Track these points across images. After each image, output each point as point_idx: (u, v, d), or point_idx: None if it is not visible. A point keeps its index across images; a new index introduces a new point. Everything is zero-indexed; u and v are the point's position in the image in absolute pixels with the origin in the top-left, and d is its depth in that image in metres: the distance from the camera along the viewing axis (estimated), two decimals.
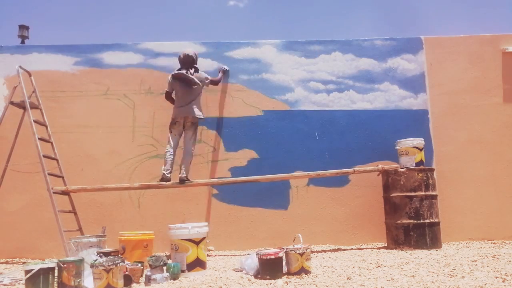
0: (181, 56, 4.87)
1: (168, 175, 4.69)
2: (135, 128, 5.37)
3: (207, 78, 4.96)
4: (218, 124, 5.39)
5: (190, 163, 4.77)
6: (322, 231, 5.18)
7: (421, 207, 4.51)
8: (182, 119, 4.78)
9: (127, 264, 3.12)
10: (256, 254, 3.11)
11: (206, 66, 5.48)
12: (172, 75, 4.84)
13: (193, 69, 4.86)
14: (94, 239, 3.76)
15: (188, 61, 4.86)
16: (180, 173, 4.68)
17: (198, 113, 4.82)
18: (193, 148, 4.81)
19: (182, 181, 4.66)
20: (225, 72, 5.42)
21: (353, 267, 3.30)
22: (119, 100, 5.43)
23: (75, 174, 5.14)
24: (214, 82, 5.14)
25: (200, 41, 5.59)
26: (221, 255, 4.69)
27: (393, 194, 4.65)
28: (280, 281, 2.83)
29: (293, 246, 3.17)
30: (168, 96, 4.98)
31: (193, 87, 4.78)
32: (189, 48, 5.09)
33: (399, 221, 4.54)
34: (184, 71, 4.77)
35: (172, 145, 4.80)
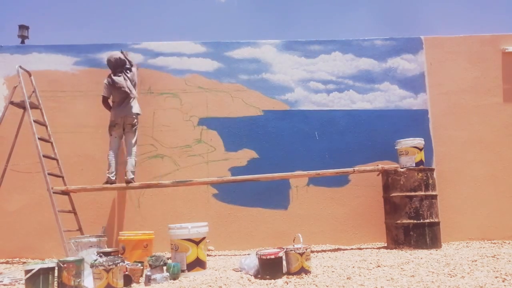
0: (112, 60, 4.95)
1: (113, 178, 4.79)
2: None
3: (134, 74, 5.06)
4: (218, 124, 5.39)
5: (134, 164, 4.88)
6: (322, 231, 5.18)
7: (421, 207, 4.51)
8: (121, 120, 4.89)
9: (127, 264, 3.12)
10: (256, 254, 3.11)
11: (206, 66, 5.49)
12: (108, 81, 4.92)
13: (126, 72, 4.97)
14: (94, 239, 3.76)
15: (120, 65, 4.97)
16: (125, 176, 4.81)
17: (136, 110, 4.94)
18: (135, 149, 4.94)
19: (129, 182, 4.77)
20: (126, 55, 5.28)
21: (353, 267, 3.30)
22: None
23: (75, 174, 5.14)
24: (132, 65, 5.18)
25: (200, 41, 5.59)
26: (221, 255, 4.69)
27: (393, 194, 4.65)
28: (280, 281, 2.83)
29: (293, 246, 3.17)
30: (104, 100, 5.01)
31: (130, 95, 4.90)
32: (114, 53, 5.04)
33: (399, 221, 4.54)
34: (120, 78, 4.88)
35: (113, 148, 4.90)
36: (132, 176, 4.81)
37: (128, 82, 4.92)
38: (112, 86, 4.91)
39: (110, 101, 5.02)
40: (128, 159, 4.87)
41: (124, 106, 4.91)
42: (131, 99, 4.95)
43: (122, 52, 5.11)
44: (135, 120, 4.95)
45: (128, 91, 4.88)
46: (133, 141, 4.93)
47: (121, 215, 5.16)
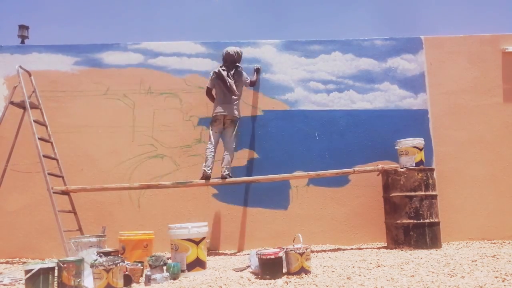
0: (224, 54, 5.02)
1: (209, 172, 4.74)
2: (135, 128, 5.37)
3: (246, 79, 5.10)
4: None
5: (231, 160, 4.86)
6: (322, 231, 5.18)
7: (421, 207, 4.51)
8: (222, 116, 4.87)
9: (127, 264, 3.12)
10: (256, 254, 3.11)
11: (206, 66, 5.49)
12: (215, 72, 4.94)
13: (234, 70, 4.97)
14: (94, 239, 3.76)
15: (230, 60, 5.00)
16: (222, 171, 4.76)
17: (237, 113, 4.96)
18: (234, 146, 4.92)
19: (224, 178, 4.73)
20: (258, 71, 5.46)
21: (353, 267, 3.30)
22: (119, 100, 5.43)
23: (75, 174, 5.14)
24: (252, 83, 5.28)
25: (200, 40, 5.60)
26: (221, 255, 4.69)
27: (393, 194, 4.65)
28: (280, 281, 2.83)
29: (293, 246, 3.17)
30: (208, 92, 5.06)
31: (234, 95, 4.90)
32: (232, 48, 5.10)
33: (399, 221, 4.54)
34: (225, 73, 4.88)
35: (213, 142, 4.86)
36: (227, 173, 4.74)
37: (232, 81, 4.87)
38: (216, 76, 4.93)
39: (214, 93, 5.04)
40: (225, 155, 4.83)
41: (228, 105, 4.89)
42: (236, 100, 4.93)
43: (257, 68, 5.34)
44: (236, 118, 4.93)
45: (230, 88, 4.84)
46: (232, 137, 4.89)
47: (121, 215, 5.16)
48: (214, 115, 4.91)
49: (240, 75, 5.01)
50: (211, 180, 4.89)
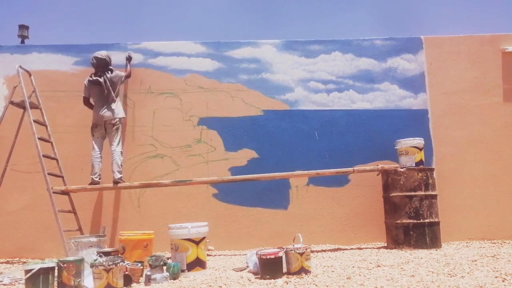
0: (94, 60, 4.96)
1: (97, 179, 4.77)
2: (135, 128, 5.37)
3: (122, 77, 5.08)
4: (218, 124, 5.39)
5: (121, 164, 4.85)
6: (322, 231, 5.18)
7: (420, 206, 4.51)
8: (102, 122, 4.86)
9: (127, 264, 3.12)
10: (256, 254, 3.11)
11: (206, 66, 5.49)
12: (90, 80, 4.93)
13: (110, 73, 4.95)
14: (94, 239, 3.76)
15: (102, 64, 4.95)
16: (113, 176, 4.76)
17: (118, 113, 4.91)
18: (121, 149, 4.90)
19: (117, 182, 4.74)
20: (130, 59, 5.38)
21: (353, 266, 3.30)
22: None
23: (75, 174, 5.13)
24: (128, 75, 5.25)
25: (200, 40, 5.60)
26: (221, 255, 4.69)
27: (392, 194, 4.65)
28: (280, 281, 2.83)
29: (293, 245, 3.17)
30: (86, 101, 5.02)
31: (110, 93, 4.88)
32: (101, 52, 5.03)
33: (399, 221, 4.54)
34: (102, 80, 4.86)
35: (97, 149, 4.87)
36: (120, 176, 4.78)
37: (108, 84, 4.88)
38: (90, 83, 4.91)
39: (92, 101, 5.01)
40: (113, 160, 4.83)
41: (106, 109, 4.88)
42: (112, 102, 4.91)
43: (128, 56, 5.29)
44: (117, 121, 4.91)
45: (108, 93, 4.86)
46: (117, 141, 4.88)
47: (121, 215, 5.16)
48: (94, 122, 4.89)
49: (116, 77, 4.99)
50: (211, 179, 4.88)
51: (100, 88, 4.87)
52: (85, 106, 5.03)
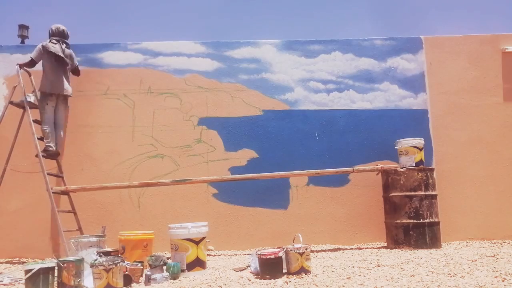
0: (53, 29, 4.92)
1: (53, 148, 4.73)
2: (135, 128, 5.37)
3: (77, 63, 5.10)
4: (218, 124, 5.39)
5: (64, 138, 4.91)
6: (322, 231, 5.18)
7: (420, 206, 4.51)
8: (58, 94, 4.83)
9: (127, 264, 3.12)
10: (256, 254, 3.11)
11: (206, 65, 5.49)
12: (44, 46, 4.80)
13: (65, 45, 4.94)
14: (94, 239, 3.76)
15: (60, 34, 4.93)
16: (56, 148, 4.77)
17: (69, 89, 4.93)
18: (65, 123, 4.99)
19: (55, 155, 4.75)
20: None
21: (353, 266, 3.30)
22: (119, 100, 5.43)
23: (75, 174, 5.14)
24: (79, 72, 5.21)
25: (200, 40, 5.60)
26: (221, 255, 4.69)
27: (392, 194, 4.65)
28: (280, 281, 2.83)
29: (293, 245, 3.17)
30: (31, 64, 4.81)
31: (67, 67, 4.90)
32: (60, 25, 4.98)
33: (398, 221, 4.54)
34: (58, 47, 4.82)
35: (51, 119, 4.82)
36: (57, 148, 4.78)
37: (74, 60, 4.95)
38: (47, 52, 4.79)
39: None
40: (58, 132, 4.84)
41: (66, 82, 4.88)
42: (68, 76, 4.92)
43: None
44: (69, 96, 4.94)
45: (70, 66, 4.88)
46: (65, 114, 4.96)
47: (121, 215, 5.16)
48: (48, 92, 4.76)
49: (72, 56, 4.99)
50: (211, 178, 4.88)
51: (63, 61, 4.85)
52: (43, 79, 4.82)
